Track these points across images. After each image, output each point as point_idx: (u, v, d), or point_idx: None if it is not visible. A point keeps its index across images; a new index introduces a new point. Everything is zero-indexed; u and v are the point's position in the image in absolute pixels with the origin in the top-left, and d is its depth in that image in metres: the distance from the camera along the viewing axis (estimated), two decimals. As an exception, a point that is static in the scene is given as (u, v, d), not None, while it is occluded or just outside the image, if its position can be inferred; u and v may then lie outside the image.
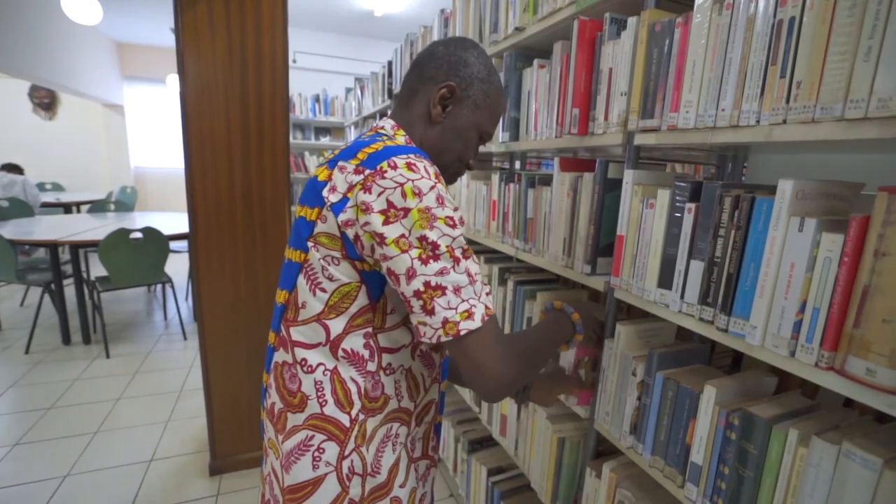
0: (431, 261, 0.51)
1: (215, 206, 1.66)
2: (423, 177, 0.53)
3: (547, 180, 1.14)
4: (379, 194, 0.52)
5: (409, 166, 0.54)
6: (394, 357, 0.60)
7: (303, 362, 0.59)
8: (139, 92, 6.32)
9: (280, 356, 0.62)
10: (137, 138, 6.44)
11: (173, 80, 5.35)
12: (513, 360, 0.54)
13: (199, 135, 1.59)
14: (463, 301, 0.51)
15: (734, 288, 0.67)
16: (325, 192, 0.56)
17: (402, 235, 0.51)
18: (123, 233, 2.69)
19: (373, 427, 0.60)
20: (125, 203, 4.54)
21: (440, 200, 0.53)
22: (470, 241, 1.74)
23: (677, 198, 0.77)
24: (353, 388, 0.58)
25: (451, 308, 0.51)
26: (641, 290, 0.85)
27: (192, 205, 1.63)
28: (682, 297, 0.77)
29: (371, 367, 0.58)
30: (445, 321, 0.51)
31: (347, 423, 0.58)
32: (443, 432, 1.82)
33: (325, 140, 5.37)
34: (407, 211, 0.51)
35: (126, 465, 1.87)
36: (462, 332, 0.51)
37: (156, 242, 2.86)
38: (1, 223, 3.36)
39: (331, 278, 0.57)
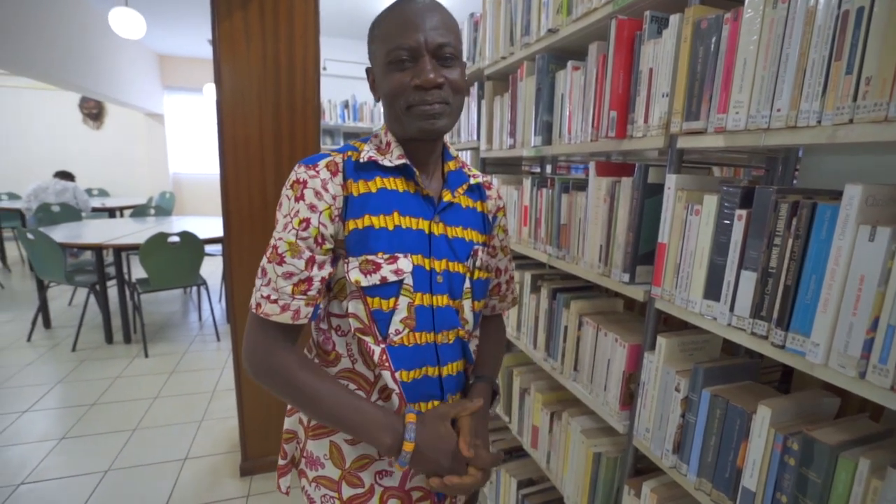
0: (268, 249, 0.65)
1: (248, 210, 1.69)
2: (286, 186, 0.65)
3: (581, 185, 1.10)
4: None
5: (293, 175, 0.65)
6: (342, 321, 0.69)
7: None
8: (178, 101, 6.61)
9: None
10: (176, 145, 6.73)
11: (210, 89, 5.56)
12: (253, 358, 0.64)
13: (234, 141, 1.63)
14: (257, 288, 0.64)
15: (792, 301, 0.63)
16: None
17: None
18: (162, 237, 2.80)
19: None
20: (164, 208, 4.74)
21: (280, 206, 0.65)
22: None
23: (725, 204, 0.72)
24: (311, 341, 0.76)
25: (255, 287, 0.65)
26: (685, 301, 0.81)
27: (227, 209, 1.67)
28: (731, 309, 0.72)
29: (323, 325, 0.72)
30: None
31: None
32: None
33: (353, 145, 5.44)
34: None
35: (162, 462, 1.93)
36: (251, 308, 0.65)
37: (191, 246, 2.96)
38: (52, 227, 3.55)
39: None
